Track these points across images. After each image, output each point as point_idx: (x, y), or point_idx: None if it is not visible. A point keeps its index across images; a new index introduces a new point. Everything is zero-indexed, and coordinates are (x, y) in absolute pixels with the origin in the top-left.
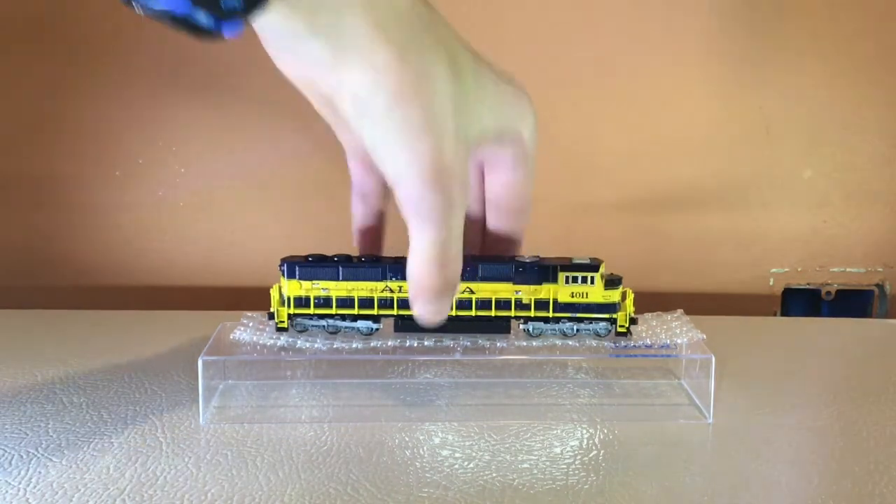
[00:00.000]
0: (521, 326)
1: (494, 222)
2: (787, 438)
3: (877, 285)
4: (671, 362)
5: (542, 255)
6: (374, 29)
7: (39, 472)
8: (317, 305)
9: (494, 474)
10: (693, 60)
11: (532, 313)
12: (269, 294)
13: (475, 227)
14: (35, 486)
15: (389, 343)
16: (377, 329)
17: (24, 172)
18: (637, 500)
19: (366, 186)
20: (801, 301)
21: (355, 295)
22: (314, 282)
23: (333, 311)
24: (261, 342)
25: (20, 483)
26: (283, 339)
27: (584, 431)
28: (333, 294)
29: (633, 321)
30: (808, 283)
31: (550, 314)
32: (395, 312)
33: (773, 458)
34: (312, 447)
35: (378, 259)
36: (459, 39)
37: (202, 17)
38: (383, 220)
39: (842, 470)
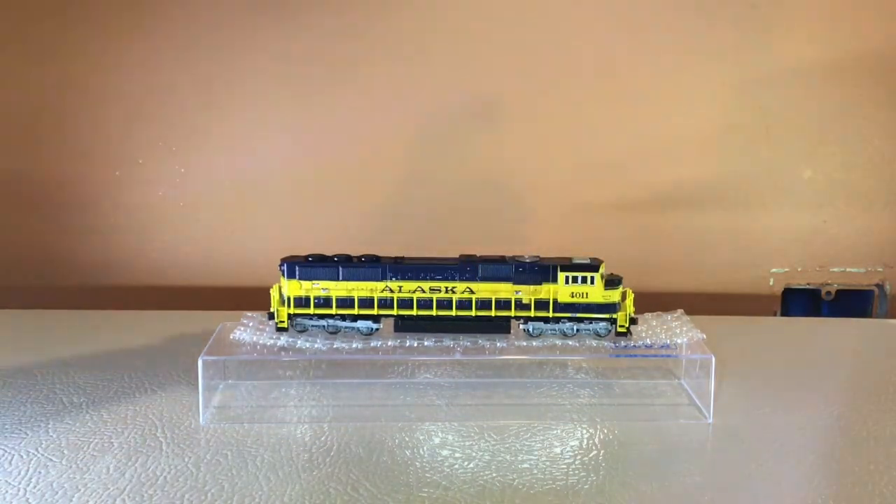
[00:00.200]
0: (521, 326)
1: None
2: (787, 438)
3: (877, 285)
4: (671, 362)
5: (542, 255)
6: None
7: (39, 472)
8: (317, 305)
9: (494, 474)
10: (693, 61)
11: (532, 313)
12: (269, 294)
13: None
14: (35, 486)
15: (389, 343)
16: (377, 329)
17: (24, 172)
18: (637, 500)
19: None
20: (801, 301)
21: (355, 295)
22: (314, 282)
23: (333, 311)
24: (261, 342)
25: (20, 483)
26: (283, 339)
27: (584, 431)
28: (333, 294)
29: (633, 321)
30: (808, 283)
31: (550, 314)
32: (395, 312)
33: (773, 458)
34: (312, 447)
35: (378, 259)
36: None
37: None
38: None
39: (842, 470)
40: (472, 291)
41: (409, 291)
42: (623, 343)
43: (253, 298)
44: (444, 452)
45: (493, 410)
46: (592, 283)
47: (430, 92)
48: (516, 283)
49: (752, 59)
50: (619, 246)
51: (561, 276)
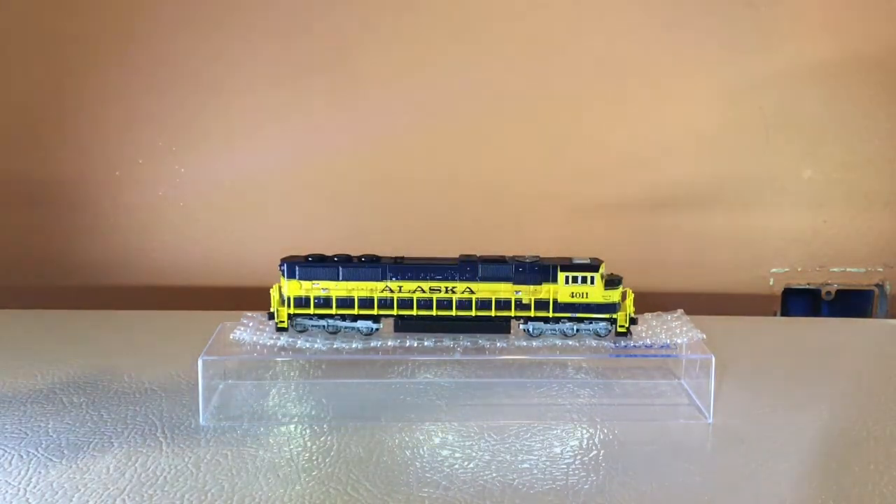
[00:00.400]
0: (521, 326)
1: None
2: (787, 438)
3: (877, 285)
4: (671, 362)
5: (542, 255)
6: None
7: (39, 472)
8: (317, 305)
9: (494, 474)
10: (693, 60)
11: (532, 313)
12: (269, 294)
13: None
14: (35, 486)
15: (389, 343)
16: (377, 329)
17: (24, 172)
18: (637, 500)
19: None
20: (801, 301)
21: (355, 295)
22: (314, 282)
23: (333, 311)
24: (261, 342)
25: (20, 483)
26: (283, 339)
27: (584, 431)
28: (333, 294)
29: (633, 321)
30: (808, 283)
31: (550, 314)
32: (395, 312)
33: (773, 458)
34: (312, 447)
35: (378, 259)
36: None
37: None
38: None
39: (842, 470)
40: (472, 291)
41: (409, 291)
42: (623, 343)
43: (253, 298)
44: (444, 452)
45: (493, 410)
46: (592, 283)
47: (430, 92)
48: (516, 283)
49: (752, 59)
50: (619, 246)
51: (561, 276)
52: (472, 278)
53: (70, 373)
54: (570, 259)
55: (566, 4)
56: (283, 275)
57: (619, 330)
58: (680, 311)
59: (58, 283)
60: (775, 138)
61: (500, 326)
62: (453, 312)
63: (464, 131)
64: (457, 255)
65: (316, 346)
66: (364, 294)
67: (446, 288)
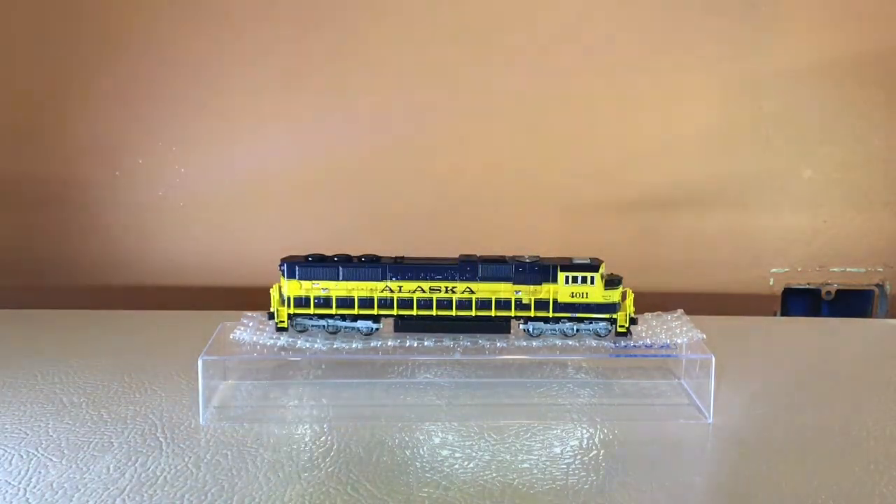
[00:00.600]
0: (521, 326)
1: None
2: (787, 438)
3: (877, 285)
4: (671, 362)
5: (542, 255)
6: None
7: (39, 472)
8: (317, 305)
9: (494, 474)
10: (693, 60)
11: (532, 313)
12: (269, 294)
13: None
14: (35, 486)
15: (389, 343)
16: (377, 329)
17: (24, 172)
18: (637, 500)
19: None
20: (801, 301)
21: (355, 295)
22: (314, 282)
23: (333, 311)
24: (261, 342)
25: (20, 483)
26: (283, 339)
27: (584, 431)
28: (333, 294)
29: (633, 321)
30: (808, 283)
31: (550, 314)
32: (395, 312)
33: (773, 458)
34: (312, 447)
35: (378, 259)
36: None
37: None
38: None
39: (842, 470)
40: (472, 291)
41: (409, 291)
42: (623, 343)
43: (253, 298)
44: (444, 452)
45: (493, 410)
46: (592, 283)
47: (430, 92)
48: (516, 283)
49: (752, 59)
50: (619, 246)
51: (561, 276)
52: (472, 278)
53: (70, 373)
54: (570, 259)
55: (566, 4)
56: (283, 275)
57: (619, 330)
58: (680, 311)
59: (58, 283)
60: (775, 138)
61: (500, 326)
62: (453, 312)
63: (463, 131)
64: (457, 255)
65: (316, 346)
66: (364, 294)
67: (446, 288)
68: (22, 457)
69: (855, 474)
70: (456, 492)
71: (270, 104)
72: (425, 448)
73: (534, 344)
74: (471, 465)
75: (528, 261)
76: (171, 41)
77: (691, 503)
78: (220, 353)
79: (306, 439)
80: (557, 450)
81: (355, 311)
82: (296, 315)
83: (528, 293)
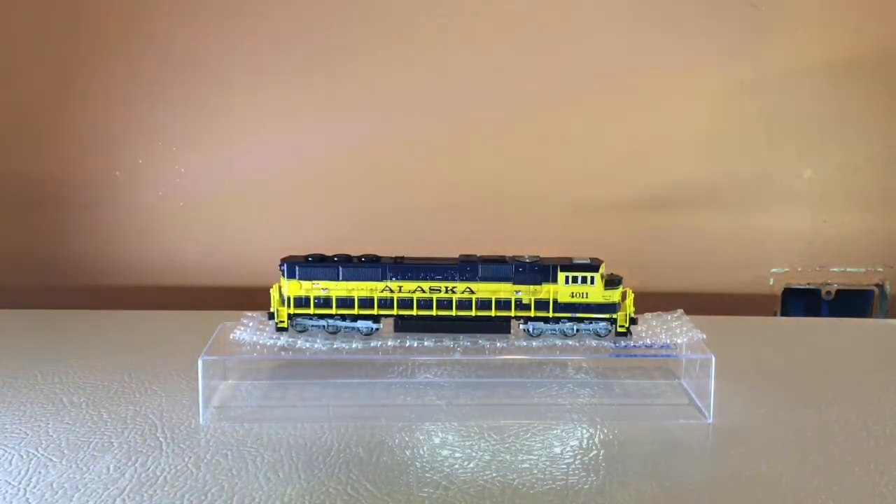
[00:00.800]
0: (521, 326)
1: None
2: (787, 438)
3: (877, 285)
4: (671, 362)
5: (542, 255)
6: None
7: (39, 472)
8: (317, 305)
9: (494, 474)
10: (693, 61)
11: (532, 313)
12: (269, 294)
13: None
14: (35, 486)
15: (389, 343)
16: (377, 329)
17: (24, 172)
18: (637, 500)
19: None
20: (801, 301)
21: (355, 295)
22: (314, 282)
23: (333, 311)
24: (261, 342)
25: (20, 483)
26: (283, 339)
27: (584, 431)
28: (333, 294)
29: (633, 321)
30: (808, 283)
31: (550, 314)
32: (395, 312)
33: (773, 458)
34: (312, 447)
35: (378, 259)
36: None
37: None
38: None
39: (842, 470)
40: (472, 291)
41: (409, 291)
42: (623, 343)
43: (253, 298)
44: (444, 452)
45: (493, 410)
46: (592, 283)
47: (430, 92)
48: (516, 283)
49: (752, 59)
50: (619, 246)
51: (561, 276)
52: (472, 278)
53: (70, 373)
54: (570, 259)
55: (566, 4)
56: (283, 275)
57: (619, 330)
58: (680, 311)
59: (58, 283)
60: (775, 138)
61: (500, 326)
62: (453, 312)
63: (464, 131)
64: (457, 255)
65: (316, 346)
66: (364, 294)
67: (446, 288)
68: (22, 457)
69: (855, 474)
70: (456, 492)
71: (270, 104)
72: (425, 448)
73: (534, 344)
74: (471, 465)
75: (528, 261)
76: (171, 41)
77: (691, 503)
78: (220, 353)
79: (306, 439)
80: (557, 450)
81: (355, 311)
82: (296, 315)
83: (528, 293)
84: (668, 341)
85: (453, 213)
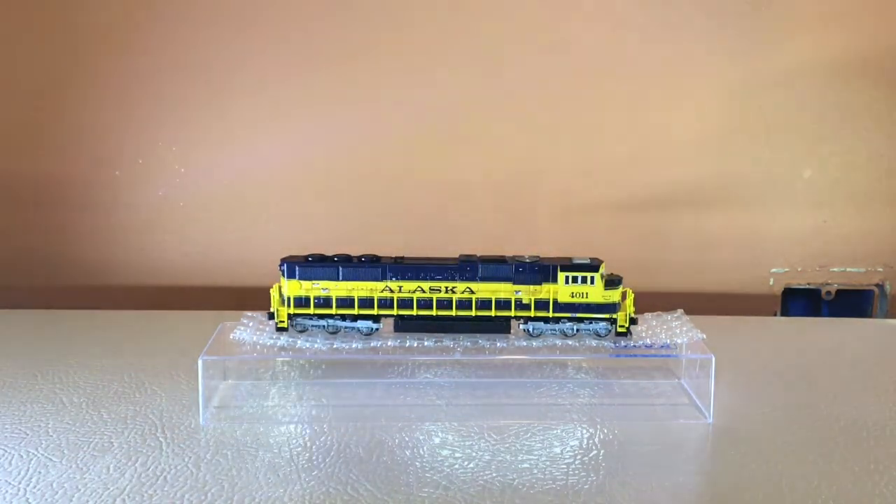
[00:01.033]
0: (521, 326)
1: None
2: (787, 438)
3: (877, 285)
4: (671, 362)
5: (542, 255)
6: None
7: (39, 472)
8: (317, 305)
9: (494, 474)
10: (693, 61)
11: (532, 313)
12: (269, 294)
13: None
14: (35, 486)
15: (389, 343)
16: (377, 329)
17: (24, 172)
18: (637, 500)
19: None
20: (801, 301)
21: (355, 295)
22: (314, 282)
23: (333, 311)
24: (261, 342)
25: (20, 483)
26: (283, 339)
27: (584, 431)
28: (333, 294)
29: (633, 321)
30: (808, 283)
31: (550, 314)
32: (395, 312)
33: (773, 458)
34: (312, 447)
35: (378, 259)
36: None
37: None
38: None
39: (842, 470)
40: (472, 291)
41: (409, 291)
42: (623, 343)
43: (253, 298)
44: (444, 452)
45: (493, 410)
46: (592, 283)
47: (430, 92)
48: (516, 283)
49: (752, 59)
50: (619, 246)
51: (561, 276)
52: (472, 278)
53: (70, 373)
54: (570, 259)
55: (566, 5)
56: (283, 275)
57: (619, 330)
58: (680, 311)
59: (58, 283)
60: (775, 138)
61: (500, 326)
62: (453, 312)
63: (464, 131)
64: (457, 255)
65: (316, 346)
66: (364, 294)
67: (446, 288)
68: (22, 457)
69: (855, 474)
70: (456, 492)
71: (270, 104)
72: (425, 448)
73: (534, 344)
74: (471, 465)
75: (528, 261)
76: (171, 41)
77: (691, 503)
78: (220, 353)
79: (306, 439)
80: (557, 450)
81: (355, 311)
82: (296, 315)
83: (528, 293)
84: (668, 341)
85: (453, 212)
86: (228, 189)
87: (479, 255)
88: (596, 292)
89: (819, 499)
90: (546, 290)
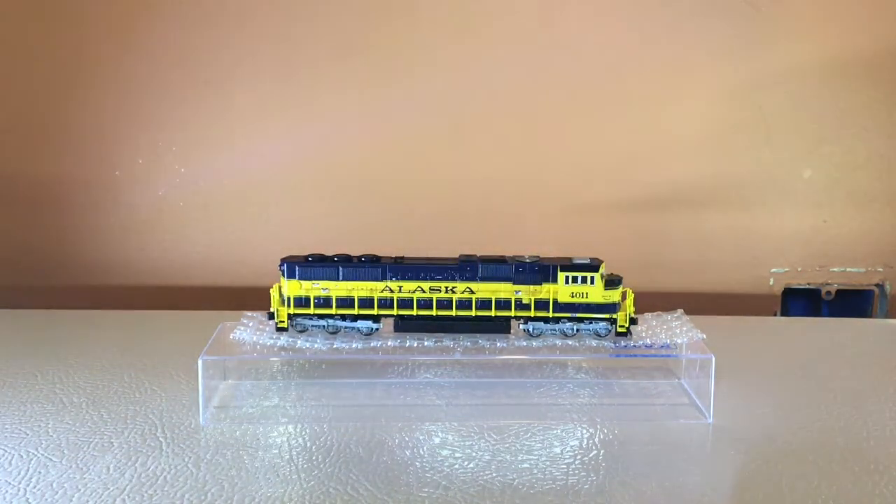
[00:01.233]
0: (521, 326)
1: None
2: (787, 438)
3: (877, 285)
4: (671, 362)
5: (542, 255)
6: None
7: (39, 472)
8: (317, 305)
9: (494, 474)
10: (693, 61)
11: (532, 313)
12: (269, 294)
13: None
14: (35, 486)
15: (389, 343)
16: (377, 329)
17: (24, 172)
18: (637, 500)
19: None
20: (801, 301)
21: (355, 295)
22: (314, 282)
23: (333, 311)
24: (261, 342)
25: (20, 483)
26: (283, 339)
27: (584, 431)
28: (333, 294)
29: (633, 321)
30: (808, 283)
31: (550, 314)
32: (395, 312)
33: (773, 458)
34: (312, 447)
35: (378, 259)
36: None
37: None
38: None
39: (842, 470)
40: (472, 291)
41: (409, 291)
42: (623, 343)
43: (253, 298)
44: (444, 452)
45: (493, 410)
46: (592, 283)
47: (430, 91)
48: (516, 283)
49: (753, 59)
50: (619, 246)
51: (561, 276)
52: (472, 278)
53: (70, 373)
54: (570, 259)
55: (566, 4)
56: (283, 275)
57: (619, 330)
58: (680, 311)
59: (58, 283)
60: (775, 138)
61: (500, 326)
62: (453, 312)
63: (464, 131)
64: (457, 255)
65: (316, 346)
66: (364, 294)
67: (446, 288)
68: (22, 457)
69: (855, 474)
70: (456, 492)
71: (271, 104)
72: (425, 448)
73: (534, 344)
74: (471, 465)
75: (528, 261)
76: (171, 41)
77: (691, 503)
78: (220, 353)
79: (306, 439)
80: (557, 450)
81: (355, 311)
82: (296, 315)
83: (528, 293)
84: (668, 341)
85: (453, 212)
86: (228, 189)
87: (479, 255)
88: (596, 292)
89: (819, 499)
90: (546, 290)
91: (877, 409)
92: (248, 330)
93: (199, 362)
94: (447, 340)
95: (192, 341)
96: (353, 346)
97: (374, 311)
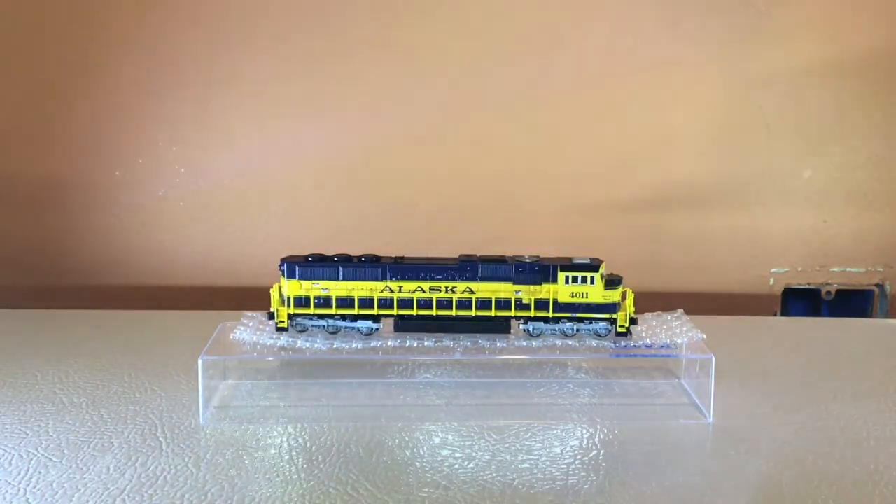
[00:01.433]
0: (521, 326)
1: None
2: (787, 438)
3: (877, 285)
4: (671, 362)
5: (542, 255)
6: None
7: (39, 472)
8: (317, 305)
9: (494, 474)
10: (693, 60)
11: (532, 313)
12: (269, 294)
13: None
14: (35, 486)
15: (389, 343)
16: (377, 329)
17: (24, 172)
18: (637, 500)
19: None
20: (801, 301)
21: (355, 295)
22: (314, 282)
23: (333, 311)
24: (261, 342)
25: (20, 483)
26: (283, 339)
27: (584, 431)
28: (333, 294)
29: (633, 321)
30: (808, 283)
31: (550, 314)
32: (395, 312)
33: (773, 458)
34: (312, 447)
35: (378, 259)
36: None
37: None
38: None
39: (842, 470)
40: (472, 291)
41: (409, 291)
42: (623, 343)
43: (253, 298)
44: (444, 452)
45: (493, 410)
46: (592, 283)
47: (430, 92)
48: (516, 283)
49: (753, 58)
50: (619, 246)
51: (561, 276)
52: (472, 278)
53: (70, 373)
54: (570, 259)
55: (566, 4)
56: (283, 275)
57: (619, 330)
58: (680, 311)
59: (58, 283)
60: (775, 138)
61: (500, 326)
62: (453, 312)
63: (464, 131)
64: (457, 255)
65: (316, 346)
66: (364, 294)
67: (446, 288)
68: (22, 457)
69: (855, 474)
70: (456, 492)
71: (271, 104)
72: (425, 448)
73: (534, 344)
74: (471, 465)
75: (528, 261)
76: (171, 41)
77: (691, 503)
78: (220, 353)
79: (306, 439)
80: (557, 450)
81: (355, 311)
82: (296, 315)
83: (528, 293)
84: (668, 341)
85: (453, 212)
86: (228, 189)
87: (479, 255)
88: (596, 292)
89: (819, 499)
90: (546, 290)
91: (877, 409)
92: (248, 330)
93: (199, 362)
94: (447, 340)
95: (192, 341)
96: (353, 346)
97: (374, 311)
